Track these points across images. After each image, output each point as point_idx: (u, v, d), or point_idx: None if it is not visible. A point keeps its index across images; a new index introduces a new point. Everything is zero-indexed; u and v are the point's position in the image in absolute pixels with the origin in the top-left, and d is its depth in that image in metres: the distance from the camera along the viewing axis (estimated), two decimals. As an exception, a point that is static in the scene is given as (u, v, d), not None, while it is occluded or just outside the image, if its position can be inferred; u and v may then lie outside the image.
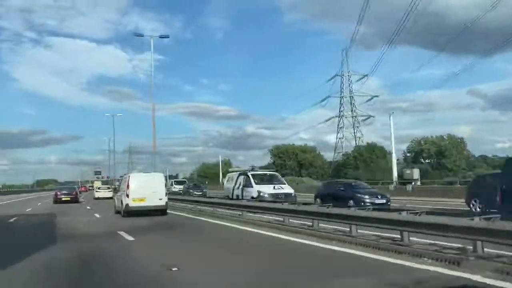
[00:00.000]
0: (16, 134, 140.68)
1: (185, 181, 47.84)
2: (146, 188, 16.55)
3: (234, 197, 20.50)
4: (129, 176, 17.80)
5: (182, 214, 18.14)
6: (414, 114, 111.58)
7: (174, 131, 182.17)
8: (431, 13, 77.09)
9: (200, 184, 45.11)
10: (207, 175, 79.22)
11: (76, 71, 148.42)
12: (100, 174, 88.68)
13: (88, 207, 25.30)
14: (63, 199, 30.69)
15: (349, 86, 76.47)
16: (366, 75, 74.10)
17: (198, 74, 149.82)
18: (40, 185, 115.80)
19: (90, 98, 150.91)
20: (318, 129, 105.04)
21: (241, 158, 70.60)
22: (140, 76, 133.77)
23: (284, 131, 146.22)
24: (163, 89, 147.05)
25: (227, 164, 74.69)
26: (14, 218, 17.65)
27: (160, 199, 16.74)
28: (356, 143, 72.71)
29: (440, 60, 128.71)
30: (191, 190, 33.88)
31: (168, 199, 18.16)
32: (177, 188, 38.95)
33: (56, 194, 31.98)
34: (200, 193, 31.78)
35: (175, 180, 46.67)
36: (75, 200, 31.10)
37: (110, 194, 35.40)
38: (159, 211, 16.66)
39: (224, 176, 58.69)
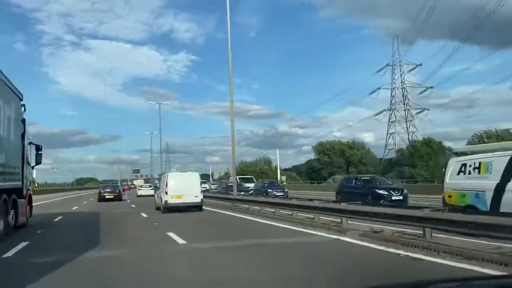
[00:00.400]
0: (58, 134, 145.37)
1: (252, 178, 38.25)
2: (183, 186, 17.58)
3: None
4: (167, 175, 18.89)
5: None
6: (453, 111, 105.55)
7: (208, 131, 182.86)
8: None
9: (274, 181, 36.70)
10: (246, 173, 77.02)
11: (113, 73, 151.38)
12: (139, 173, 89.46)
13: (133, 206, 24.74)
14: (106, 197, 30.28)
15: (400, 76, 71.77)
16: (420, 65, 69.50)
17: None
18: (80, 183, 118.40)
19: (126, 98, 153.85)
20: (353, 127, 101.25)
21: (273, 157, 68.31)
22: (174, 76, 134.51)
23: (317, 129, 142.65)
24: (197, 88, 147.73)
25: (266, 162, 72.53)
26: (59, 217, 16.78)
27: (196, 196, 17.73)
28: (409, 139, 68.14)
29: (480, 55, 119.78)
30: (269, 190, 27.38)
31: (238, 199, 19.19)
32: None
33: (100, 192, 31.40)
34: (282, 194, 25.86)
35: (240, 177, 35.61)
36: (118, 198, 30.71)
37: (151, 192, 35.03)
38: (196, 207, 17.61)
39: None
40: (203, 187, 21.22)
